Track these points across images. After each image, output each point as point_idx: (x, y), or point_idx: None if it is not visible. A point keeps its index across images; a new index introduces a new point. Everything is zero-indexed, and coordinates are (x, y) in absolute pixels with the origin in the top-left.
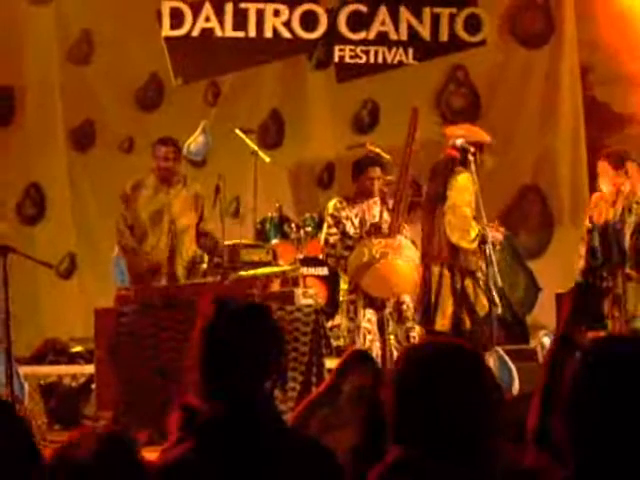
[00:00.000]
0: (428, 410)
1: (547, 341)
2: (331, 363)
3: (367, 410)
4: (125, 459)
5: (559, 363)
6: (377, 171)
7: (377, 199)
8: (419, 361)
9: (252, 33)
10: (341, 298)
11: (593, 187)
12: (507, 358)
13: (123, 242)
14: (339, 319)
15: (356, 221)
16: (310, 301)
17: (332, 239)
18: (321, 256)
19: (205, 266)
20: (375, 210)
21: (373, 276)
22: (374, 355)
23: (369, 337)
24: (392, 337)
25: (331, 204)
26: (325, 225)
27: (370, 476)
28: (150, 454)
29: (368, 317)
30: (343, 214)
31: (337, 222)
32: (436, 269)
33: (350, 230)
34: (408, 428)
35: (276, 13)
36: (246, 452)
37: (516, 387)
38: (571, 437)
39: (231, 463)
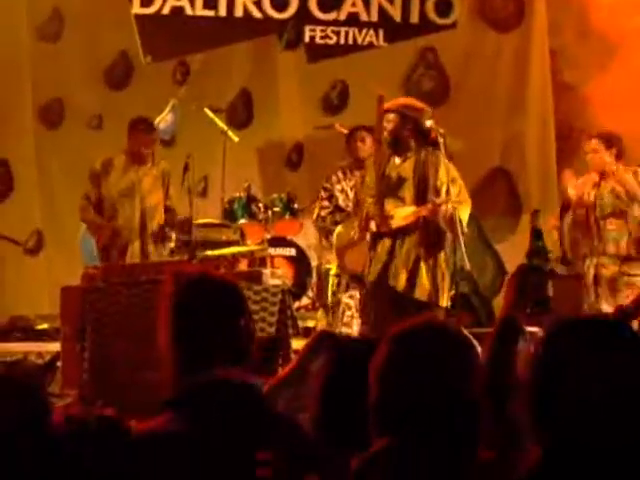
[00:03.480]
0: (412, 393)
1: None
2: (298, 344)
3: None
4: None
5: (502, 348)
6: (362, 133)
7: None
8: (402, 343)
9: (222, 12)
10: (331, 271)
11: (561, 170)
12: (474, 341)
13: (86, 217)
14: (310, 297)
15: (351, 194)
16: (278, 281)
17: (323, 212)
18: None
19: (173, 245)
20: None
21: (352, 256)
22: (352, 331)
23: (348, 313)
24: None
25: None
26: (319, 197)
27: (354, 464)
28: None
29: (350, 293)
30: (338, 187)
31: (330, 196)
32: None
33: (342, 203)
34: (392, 414)
35: None
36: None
37: None
38: (536, 422)
39: (206, 436)
